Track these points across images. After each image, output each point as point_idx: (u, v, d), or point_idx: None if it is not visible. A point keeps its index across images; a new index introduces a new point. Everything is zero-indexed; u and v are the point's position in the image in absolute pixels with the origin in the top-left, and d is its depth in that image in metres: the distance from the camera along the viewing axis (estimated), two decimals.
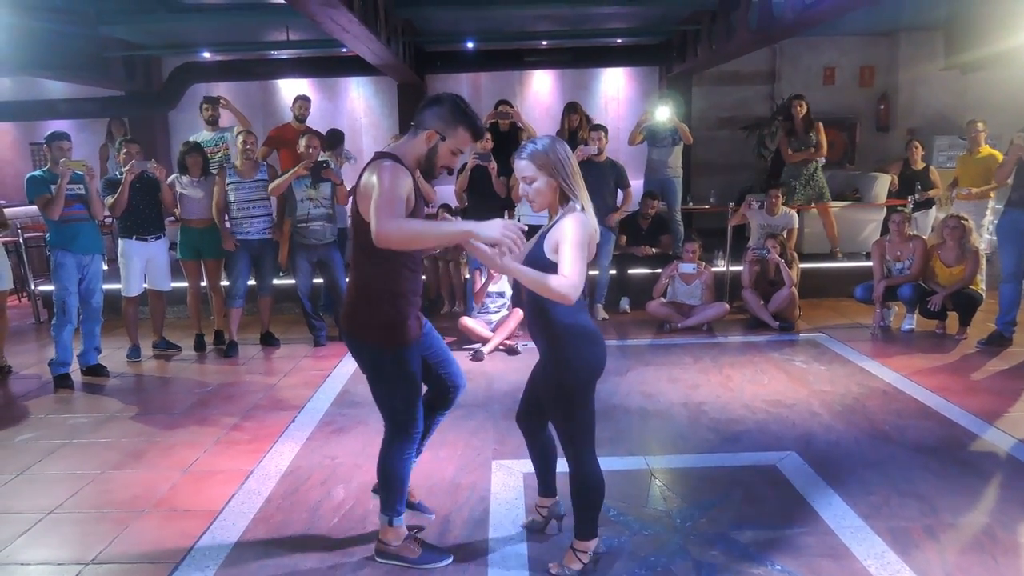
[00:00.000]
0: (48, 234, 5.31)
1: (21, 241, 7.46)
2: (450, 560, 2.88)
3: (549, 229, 2.59)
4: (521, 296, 2.69)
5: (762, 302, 6.41)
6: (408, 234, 2.43)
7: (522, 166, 2.57)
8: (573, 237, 2.45)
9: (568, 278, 2.40)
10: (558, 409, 2.67)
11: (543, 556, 2.89)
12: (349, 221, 2.92)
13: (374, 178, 2.50)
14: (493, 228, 2.37)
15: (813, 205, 7.56)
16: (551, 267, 2.48)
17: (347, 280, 2.91)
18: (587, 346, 2.61)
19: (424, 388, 2.88)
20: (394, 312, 2.67)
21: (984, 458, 3.75)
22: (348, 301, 2.78)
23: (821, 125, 7.58)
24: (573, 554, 2.78)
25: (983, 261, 6.08)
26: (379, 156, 2.62)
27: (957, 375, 5.05)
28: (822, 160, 7.61)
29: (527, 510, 3.22)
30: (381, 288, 2.68)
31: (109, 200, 5.51)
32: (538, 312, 2.61)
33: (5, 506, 3.47)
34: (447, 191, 7.37)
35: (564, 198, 2.58)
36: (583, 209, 2.55)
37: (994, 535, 2.99)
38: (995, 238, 6.29)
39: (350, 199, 2.77)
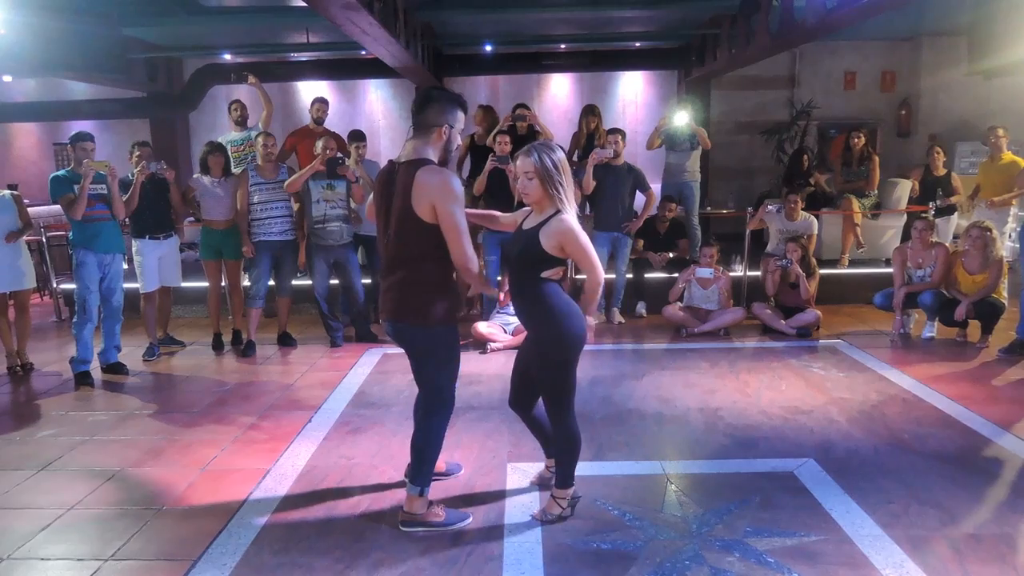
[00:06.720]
0: (71, 233, 5.39)
1: (44, 240, 7.56)
2: (470, 518, 3.17)
3: (540, 228, 2.90)
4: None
5: (781, 314, 6.38)
6: (468, 265, 2.85)
7: (527, 164, 2.89)
8: (582, 238, 2.88)
9: (595, 274, 2.97)
10: (548, 379, 3.06)
11: (558, 558, 2.89)
12: (386, 220, 2.97)
13: (441, 194, 2.76)
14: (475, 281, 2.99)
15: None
16: (553, 261, 2.92)
17: (398, 274, 2.96)
18: (575, 321, 2.97)
19: None
20: (452, 296, 3.01)
21: (1005, 467, 3.71)
22: (398, 292, 2.95)
23: (877, 160, 7.68)
24: (554, 501, 3.18)
25: (1006, 269, 6.01)
26: (422, 163, 2.81)
27: (978, 383, 5.00)
28: (874, 192, 7.71)
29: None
30: (440, 277, 2.95)
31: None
32: (529, 299, 3.00)
33: (26, 501, 3.52)
34: None
35: (551, 198, 2.91)
36: (566, 211, 2.90)
37: (1015, 546, 2.96)
38: (1017, 246, 6.22)
39: (403, 202, 2.84)
